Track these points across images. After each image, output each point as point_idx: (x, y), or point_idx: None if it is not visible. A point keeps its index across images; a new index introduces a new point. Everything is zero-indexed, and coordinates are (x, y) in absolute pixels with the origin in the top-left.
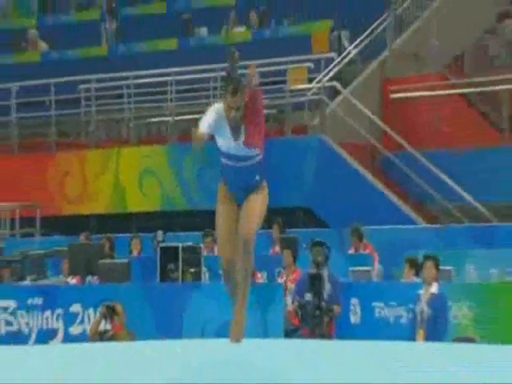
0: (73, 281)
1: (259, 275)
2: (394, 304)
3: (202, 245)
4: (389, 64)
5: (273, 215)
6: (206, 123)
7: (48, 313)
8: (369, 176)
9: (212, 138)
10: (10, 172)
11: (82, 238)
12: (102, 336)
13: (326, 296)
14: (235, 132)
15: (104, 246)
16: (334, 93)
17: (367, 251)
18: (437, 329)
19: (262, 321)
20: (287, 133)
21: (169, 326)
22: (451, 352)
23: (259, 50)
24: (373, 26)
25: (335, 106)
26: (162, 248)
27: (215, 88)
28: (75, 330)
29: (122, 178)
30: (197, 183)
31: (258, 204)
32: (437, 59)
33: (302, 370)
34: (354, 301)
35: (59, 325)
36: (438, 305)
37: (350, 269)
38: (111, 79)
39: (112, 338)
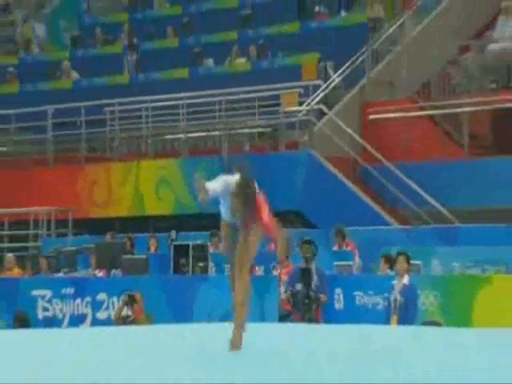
0: (99, 273)
1: (257, 269)
2: (371, 293)
3: (209, 243)
4: (367, 90)
5: None
6: (212, 188)
7: (78, 300)
8: (350, 185)
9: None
10: (46, 181)
11: (107, 237)
12: (124, 320)
13: (314, 286)
14: (235, 215)
15: (126, 244)
16: (320, 114)
17: (349, 248)
18: (408, 314)
19: (259, 307)
20: (281, 148)
21: (181, 312)
22: (420, 334)
23: (257, 78)
24: (353, 58)
25: (322, 126)
26: (175, 246)
27: (220, 110)
28: (101, 315)
29: (141, 186)
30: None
31: (248, 251)
32: (407, 86)
33: (294, 349)
34: (338, 290)
35: (88, 311)
36: (409, 294)
37: (335, 263)
38: (132, 103)
39: (133, 322)
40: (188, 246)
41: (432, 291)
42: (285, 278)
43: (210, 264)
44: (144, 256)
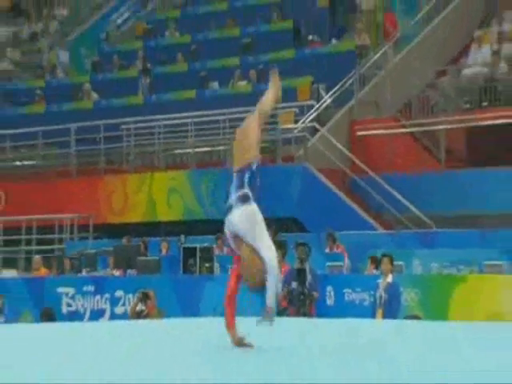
0: (117, 273)
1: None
2: (359, 290)
3: (214, 246)
4: (355, 109)
5: (268, 223)
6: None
7: (98, 297)
8: (340, 194)
9: None
10: (69, 191)
11: (123, 240)
12: (138, 315)
13: (307, 284)
14: None
15: (140, 246)
16: (314, 131)
17: (339, 251)
18: (391, 309)
19: (260, 303)
20: (278, 161)
21: (189, 307)
22: (402, 327)
23: (257, 99)
24: (343, 81)
25: (315, 141)
26: (184, 248)
27: (224, 127)
28: (119, 310)
29: (153, 195)
30: (210, 199)
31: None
32: (391, 106)
33: (291, 339)
34: (329, 288)
35: (106, 306)
36: (393, 291)
37: (326, 264)
38: (145, 121)
39: (146, 317)
40: (196, 248)
41: (413, 289)
42: (281, 277)
43: (216, 265)
44: (156, 257)
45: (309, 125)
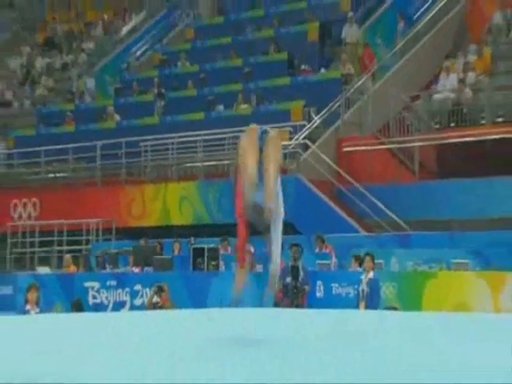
0: (136, 270)
1: (258, 266)
2: (345, 285)
3: (220, 246)
4: (341, 129)
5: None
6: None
7: (120, 290)
8: (329, 201)
9: None
10: (95, 199)
11: (142, 242)
12: (154, 306)
13: (300, 280)
14: None
15: (156, 247)
16: (305, 147)
17: (327, 250)
18: (373, 301)
19: (259, 297)
20: None
21: (198, 300)
22: (382, 316)
23: (257, 119)
24: (330, 104)
25: (307, 156)
26: (193, 249)
27: (228, 144)
28: (137, 302)
29: (167, 202)
30: (217, 206)
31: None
32: (372, 126)
33: (286, 327)
34: (319, 283)
35: (127, 299)
36: (374, 285)
37: (316, 262)
38: (161, 139)
39: (161, 308)
40: (204, 248)
41: (391, 283)
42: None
43: (221, 263)
44: (170, 256)
45: (301, 142)
